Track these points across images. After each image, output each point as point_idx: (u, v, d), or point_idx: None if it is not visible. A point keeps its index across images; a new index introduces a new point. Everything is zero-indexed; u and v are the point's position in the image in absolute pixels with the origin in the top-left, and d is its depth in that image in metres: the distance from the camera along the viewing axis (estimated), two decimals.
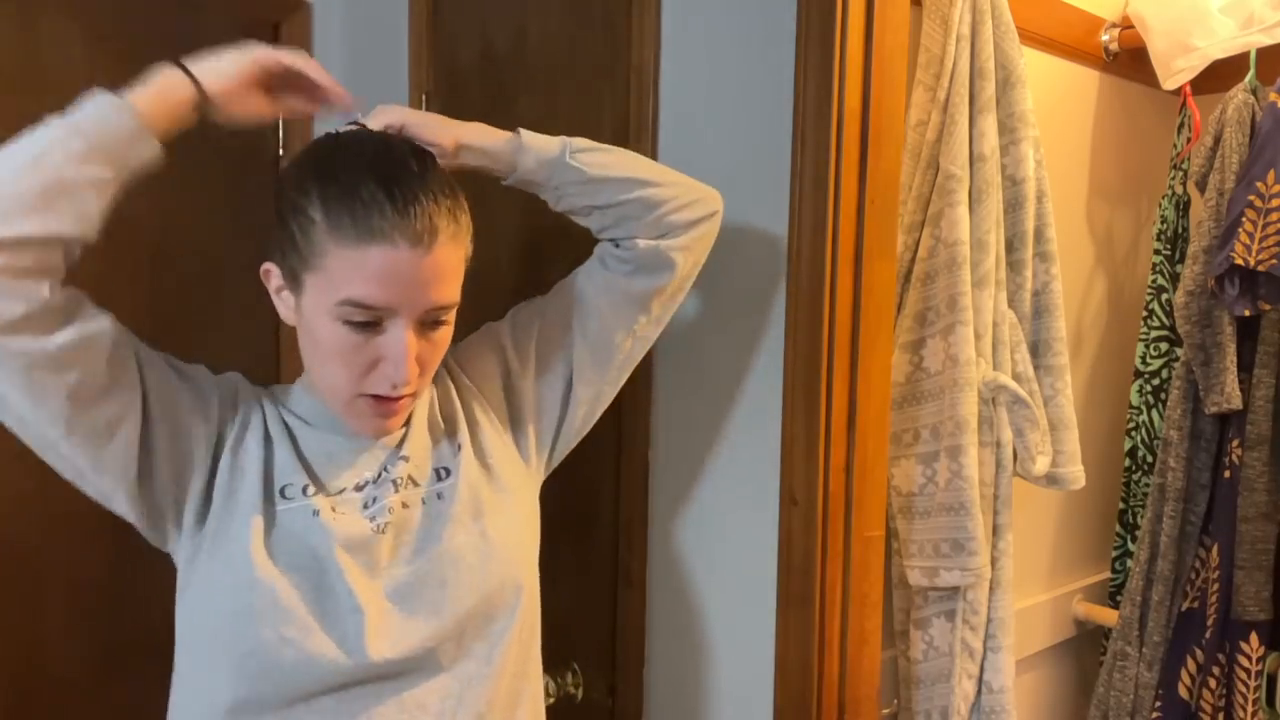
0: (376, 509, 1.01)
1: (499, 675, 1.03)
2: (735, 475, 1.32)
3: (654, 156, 1.38)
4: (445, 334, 1.00)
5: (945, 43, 1.42)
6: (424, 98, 1.78)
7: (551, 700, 1.47)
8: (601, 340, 1.14)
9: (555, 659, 1.50)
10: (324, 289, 0.93)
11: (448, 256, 0.95)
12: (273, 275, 1.00)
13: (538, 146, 1.07)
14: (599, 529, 1.48)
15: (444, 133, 1.03)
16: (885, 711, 1.54)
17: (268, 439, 1.02)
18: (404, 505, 1.02)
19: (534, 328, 1.15)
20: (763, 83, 1.26)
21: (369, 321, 0.94)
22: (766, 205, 1.25)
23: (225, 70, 0.97)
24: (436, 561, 1.00)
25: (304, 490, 0.99)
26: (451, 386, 1.11)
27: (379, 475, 1.02)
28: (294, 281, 0.97)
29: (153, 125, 0.93)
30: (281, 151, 1.91)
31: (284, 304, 1.00)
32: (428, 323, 0.97)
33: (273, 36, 1.92)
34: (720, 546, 1.35)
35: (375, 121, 1.02)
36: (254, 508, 0.97)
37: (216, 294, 1.87)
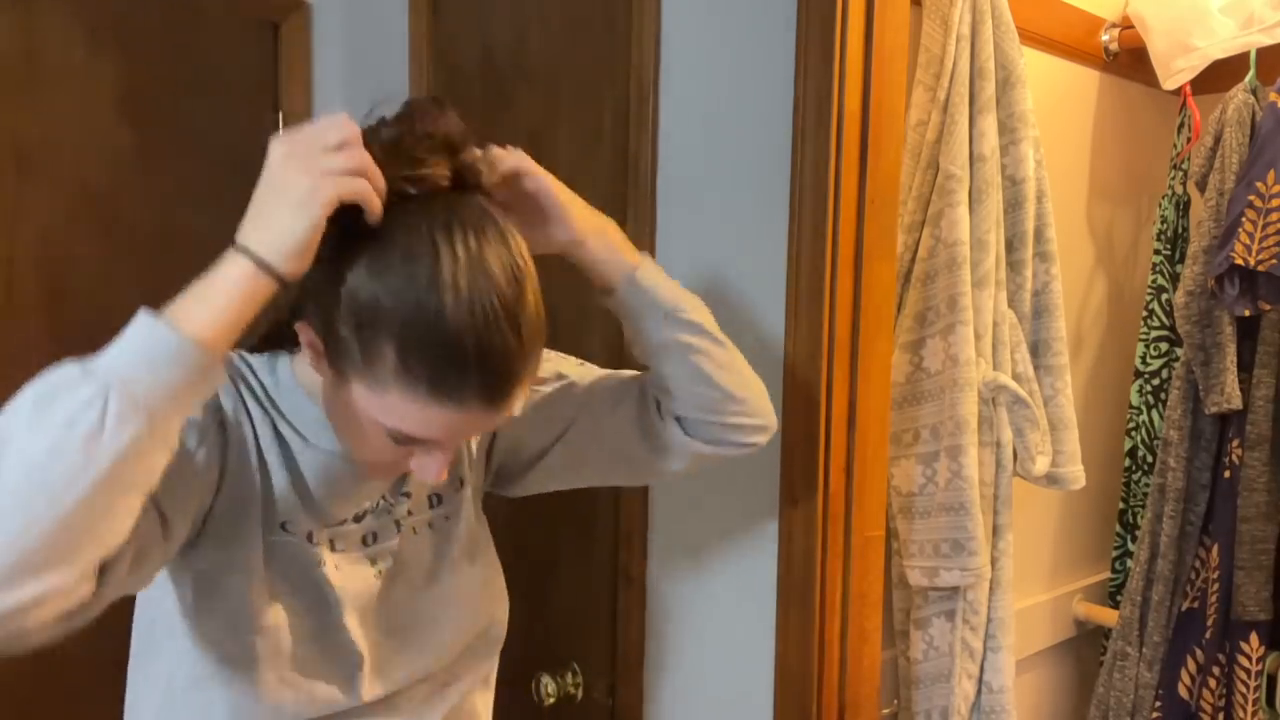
0: (378, 550, 0.98)
1: (464, 692, 1.05)
2: (735, 475, 1.32)
3: (654, 157, 1.38)
4: None
5: (945, 43, 1.42)
6: None
7: (552, 700, 1.48)
8: (579, 462, 1.09)
9: (555, 659, 1.50)
10: (375, 407, 0.81)
11: (519, 405, 0.85)
12: (311, 342, 0.85)
13: (653, 287, 0.98)
14: (599, 529, 1.48)
15: (563, 226, 0.93)
16: (885, 711, 1.54)
17: (262, 462, 0.91)
18: (402, 541, 1.00)
19: (528, 415, 1.07)
20: (763, 83, 1.26)
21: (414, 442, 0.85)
22: (766, 205, 1.25)
23: (300, 242, 0.75)
24: (435, 602, 1.01)
25: (309, 536, 0.94)
26: None
27: (377, 505, 0.99)
28: (339, 374, 0.83)
29: (220, 346, 0.73)
30: None
31: (316, 362, 0.86)
32: None
33: (273, 36, 1.92)
34: (720, 546, 1.35)
35: (497, 167, 0.89)
36: (255, 543, 0.90)
37: None
